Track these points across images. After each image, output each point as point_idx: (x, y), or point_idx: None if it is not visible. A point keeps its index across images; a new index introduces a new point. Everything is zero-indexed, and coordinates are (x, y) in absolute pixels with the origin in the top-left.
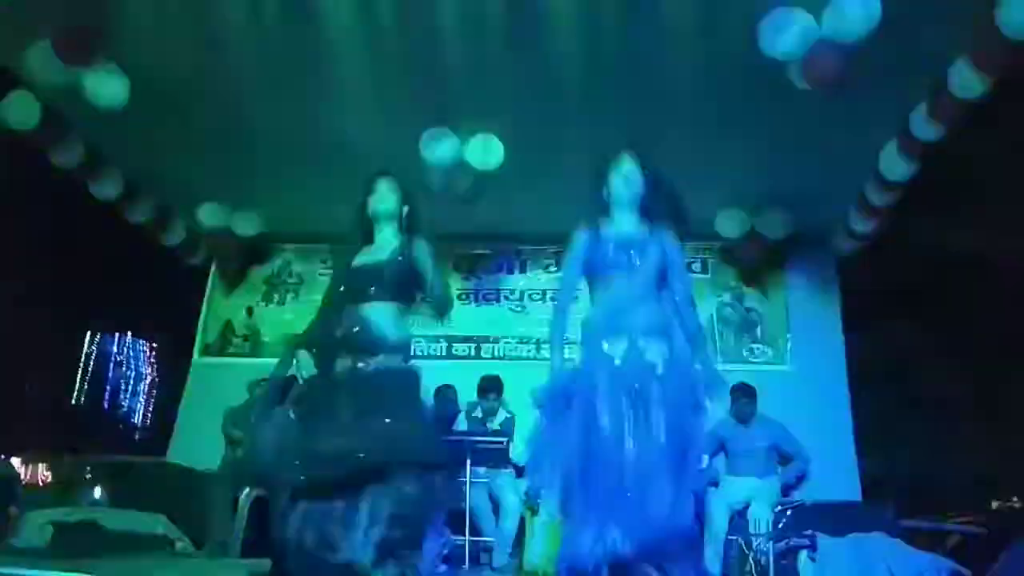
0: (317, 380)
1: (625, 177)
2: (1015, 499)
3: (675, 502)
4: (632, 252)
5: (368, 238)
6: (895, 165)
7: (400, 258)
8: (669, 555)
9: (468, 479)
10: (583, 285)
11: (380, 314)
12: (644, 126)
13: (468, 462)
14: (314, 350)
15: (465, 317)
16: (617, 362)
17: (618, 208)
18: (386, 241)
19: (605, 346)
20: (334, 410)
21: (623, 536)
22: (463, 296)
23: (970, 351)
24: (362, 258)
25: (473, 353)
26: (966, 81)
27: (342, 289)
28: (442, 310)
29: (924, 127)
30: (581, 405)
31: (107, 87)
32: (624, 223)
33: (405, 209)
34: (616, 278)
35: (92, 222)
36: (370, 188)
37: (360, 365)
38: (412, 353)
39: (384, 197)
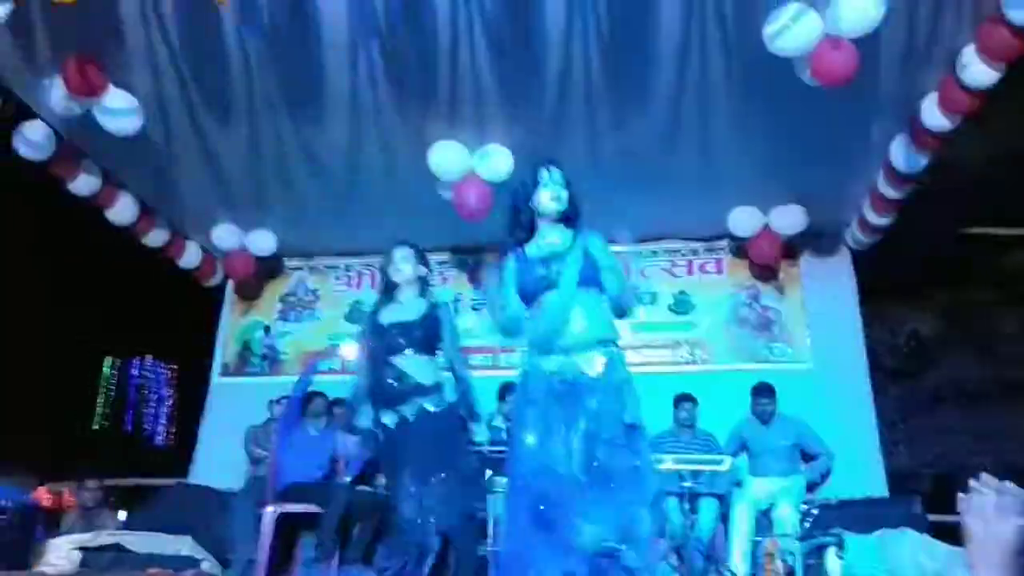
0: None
1: (552, 191)
2: None
3: (609, 515)
4: (554, 267)
5: (390, 295)
6: (907, 157)
7: (427, 321)
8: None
9: (489, 489)
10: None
11: (413, 365)
12: (654, 129)
13: (489, 472)
14: (369, 402)
15: (482, 328)
16: (550, 378)
17: (543, 223)
18: (409, 302)
19: (541, 364)
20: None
21: (563, 553)
22: (478, 307)
23: (991, 341)
24: (390, 316)
25: (491, 364)
26: (975, 70)
27: (376, 344)
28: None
29: (934, 117)
30: (520, 424)
31: (120, 115)
32: (548, 237)
33: (423, 271)
34: (545, 296)
35: (109, 248)
36: (389, 258)
37: (405, 413)
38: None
39: (400, 268)
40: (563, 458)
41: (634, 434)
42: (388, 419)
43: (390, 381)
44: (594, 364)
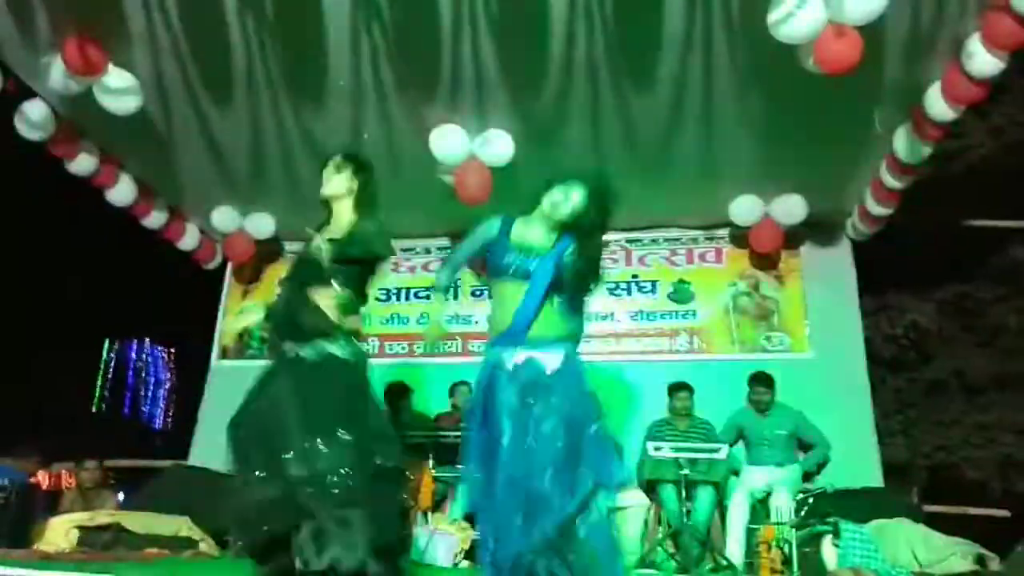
0: (270, 369)
1: (569, 204)
2: None
3: (556, 510)
4: (527, 261)
5: (328, 218)
6: (910, 147)
7: (350, 241)
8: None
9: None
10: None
11: (327, 297)
12: (656, 116)
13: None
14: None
15: (480, 313)
16: (509, 370)
17: (541, 220)
18: (340, 221)
19: (500, 354)
20: (282, 417)
21: (515, 539)
22: (477, 292)
23: (991, 334)
24: (316, 241)
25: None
26: (980, 59)
27: (293, 274)
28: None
29: (939, 107)
30: (481, 413)
31: (119, 94)
32: (535, 232)
33: (356, 184)
34: (508, 285)
35: (108, 230)
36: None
37: (302, 352)
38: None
39: (328, 181)
40: (529, 463)
41: (597, 432)
42: (307, 352)
43: (301, 314)
44: (551, 361)
